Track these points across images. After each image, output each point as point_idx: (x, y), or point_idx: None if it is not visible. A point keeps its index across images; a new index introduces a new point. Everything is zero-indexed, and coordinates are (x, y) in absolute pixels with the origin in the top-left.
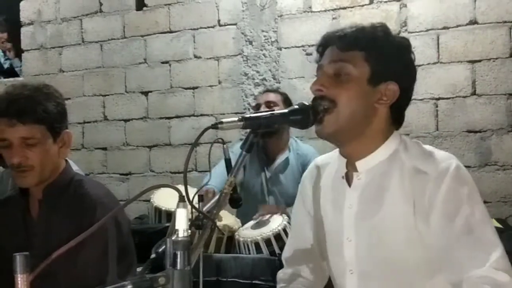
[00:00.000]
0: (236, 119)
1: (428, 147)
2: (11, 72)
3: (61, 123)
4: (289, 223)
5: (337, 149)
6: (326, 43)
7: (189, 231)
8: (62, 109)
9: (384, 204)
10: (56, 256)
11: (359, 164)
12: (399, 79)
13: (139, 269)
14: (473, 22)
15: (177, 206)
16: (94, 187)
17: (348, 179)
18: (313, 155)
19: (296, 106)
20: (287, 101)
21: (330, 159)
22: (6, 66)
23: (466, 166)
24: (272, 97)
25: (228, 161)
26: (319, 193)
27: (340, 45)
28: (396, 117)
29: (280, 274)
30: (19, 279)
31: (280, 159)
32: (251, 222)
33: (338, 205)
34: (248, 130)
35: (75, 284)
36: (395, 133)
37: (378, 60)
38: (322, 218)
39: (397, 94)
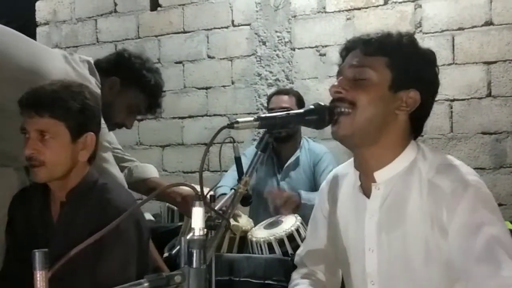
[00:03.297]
0: (251, 119)
1: (446, 157)
2: None
3: (83, 124)
4: (302, 223)
5: (352, 159)
6: (350, 47)
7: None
8: (88, 110)
9: (405, 215)
10: (76, 254)
11: (377, 174)
12: (421, 88)
13: None
14: (489, 23)
15: (193, 205)
16: (120, 194)
17: (365, 190)
18: (325, 154)
19: (312, 106)
20: (300, 102)
21: (348, 169)
22: None
23: (480, 168)
24: (285, 100)
25: (238, 160)
26: (338, 203)
27: (364, 49)
28: (415, 127)
29: (294, 274)
30: (37, 275)
31: (291, 159)
32: (264, 222)
33: (358, 215)
34: (261, 131)
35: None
36: (413, 142)
37: (401, 67)
38: (340, 228)
39: (417, 102)
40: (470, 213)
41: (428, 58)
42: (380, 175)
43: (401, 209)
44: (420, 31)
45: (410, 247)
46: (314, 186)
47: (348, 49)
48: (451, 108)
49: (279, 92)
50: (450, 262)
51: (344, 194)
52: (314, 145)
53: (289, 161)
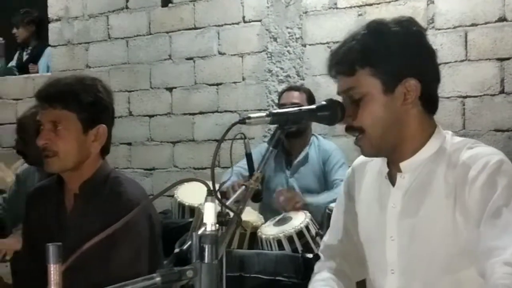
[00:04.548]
0: (263, 114)
1: (472, 141)
2: (24, 67)
3: (95, 116)
4: (311, 220)
5: None
6: (331, 74)
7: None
8: (100, 103)
9: (427, 201)
10: (89, 247)
11: (403, 165)
12: (413, 71)
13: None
14: (502, 19)
15: (205, 200)
16: (132, 187)
17: (391, 177)
18: (334, 151)
19: (324, 102)
20: (311, 99)
21: None
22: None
23: None
24: (296, 97)
25: (249, 156)
26: (362, 189)
27: (341, 71)
28: (429, 103)
29: (318, 264)
30: (51, 269)
31: (300, 156)
32: (274, 219)
33: (382, 203)
34: (272, 127)
35: (106, 280)
36: (439, 130)
37: (382, 68)
38: (363, 215)
39: (418, 86)
40: (488, 183)
41: (400, 38)
42: (405, 165)
43: (424, 197)
44: (433, 27)
45: (428, 230)
46: (323, 183)
47: (331, 76)
48: (464, 105)
49: (290, 88)
50: (465, 240)
51: (368, 180)
52: (323, 142)
53: (298, 158)
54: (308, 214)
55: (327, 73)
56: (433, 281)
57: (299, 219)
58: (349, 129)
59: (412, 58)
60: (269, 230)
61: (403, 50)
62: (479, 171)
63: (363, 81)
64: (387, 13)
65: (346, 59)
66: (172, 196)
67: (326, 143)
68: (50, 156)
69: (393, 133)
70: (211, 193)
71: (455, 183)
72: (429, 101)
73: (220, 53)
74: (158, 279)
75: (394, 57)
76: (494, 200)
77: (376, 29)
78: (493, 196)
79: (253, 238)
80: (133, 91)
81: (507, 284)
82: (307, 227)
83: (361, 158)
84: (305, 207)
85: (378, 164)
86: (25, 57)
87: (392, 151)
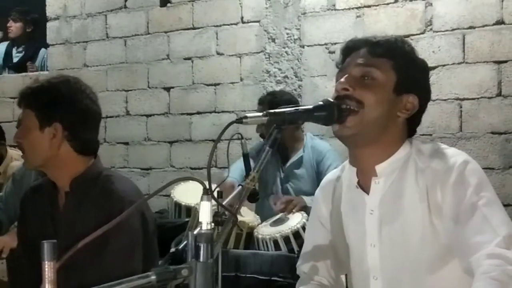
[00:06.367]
0: (260, 114)
1: (440, 145)
2: (21, 66)
3: (51, 114)
4: (308, 220)
5: (346, 162)
6: (355, 46)
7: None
8: (59, 101)
9: (403, 206)
10: (82, 245)
11: (379, 167)
12: (419, 94)
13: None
14: (500, 22)
15: (201, 199)
16: (123, 184)
17: (362, 186)
18: (328, 152)
19: (321, 103)
20: (272, 106)
21: (340, 172)
22: (17, 59)
23: (489, 168)
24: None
25: (246, 156)
26: (334, 206)
27: (372, 50)
28: (410, 129)
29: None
30: (46, 266)
31: (294, 157)
32: (270, 219)
33: (357, 212)
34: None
35: (100, 277)
36: (409, 139)
37: (404, 71)
38: (340, 229)
39: (416, 107)
40: (458, 184)
41: (425, 66)
42: (382, 168)
43: (399, 201)
44: (431, 29)
45: (409, 236)
46: (317, 185)
47: (352, 48)
48: (461, 107)
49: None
50: (444, 242)
51: (339, 196)
52: (317, 142)
53: (292, 159)
54: (305, 215)
55: (348, 44)
56: (418, 283)
57: (295, 220)
58: (346, 98)
59: (425, 84)
60: (265, 230)
61: (423, 74)
62: (447, 172)
63: (384, 68)
64: (385, 15)
65: (384, 44)
66: (169, 195)
67: (320, 143)
68: (23, 153)
69: (380, 126)
70: (207, 192)
71: (426, 187)
72: (411, 126)
73: (218, 53)
74: (153, 277)
75: (416, 72)
76: (468, 198)
77: (411, 45)
78: (466, 193)
79: (249, 238)
80: (130, 90)
81: (493, 276)
82: (303, 227)
83: (326, 178)
84: (304, 209)
85: (347, 178)
86: (15, 56)
87: (369, 143)
